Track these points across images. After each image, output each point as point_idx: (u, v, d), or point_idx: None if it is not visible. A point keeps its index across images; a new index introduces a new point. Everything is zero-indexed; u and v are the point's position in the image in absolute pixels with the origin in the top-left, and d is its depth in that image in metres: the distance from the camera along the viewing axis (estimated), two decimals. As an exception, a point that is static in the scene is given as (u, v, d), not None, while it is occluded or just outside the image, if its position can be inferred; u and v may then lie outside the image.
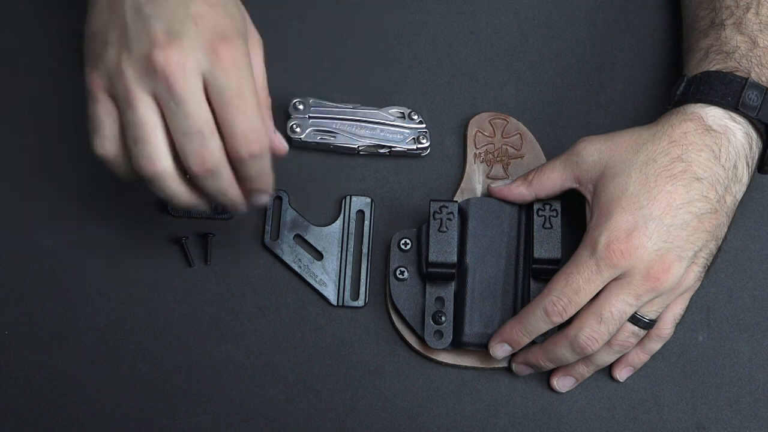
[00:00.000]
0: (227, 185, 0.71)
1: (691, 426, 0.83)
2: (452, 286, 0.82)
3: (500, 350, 0.80)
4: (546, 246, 0.80)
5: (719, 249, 0.78)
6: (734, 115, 0.76)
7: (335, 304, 0.85)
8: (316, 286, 0.85)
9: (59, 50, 0.88)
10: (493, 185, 0.84)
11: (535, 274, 0.81)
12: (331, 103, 0.88)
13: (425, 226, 0.82)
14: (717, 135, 0.75)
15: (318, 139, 0.87)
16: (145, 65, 0.67)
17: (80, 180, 0.86)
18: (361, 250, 0.86)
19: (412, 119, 0.88)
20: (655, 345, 0.81)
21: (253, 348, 0.84)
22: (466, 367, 0.84)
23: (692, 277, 0.76)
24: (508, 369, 0.83)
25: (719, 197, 0.75)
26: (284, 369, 0.84)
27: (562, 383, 0.82)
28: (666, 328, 0.79)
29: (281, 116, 0.88)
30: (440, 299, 0.82)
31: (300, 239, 0.86)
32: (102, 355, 0.83)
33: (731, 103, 0.76)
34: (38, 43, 0.89)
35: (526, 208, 0.83)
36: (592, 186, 0.78)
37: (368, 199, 0.87)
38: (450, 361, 0.83)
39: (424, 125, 0.88)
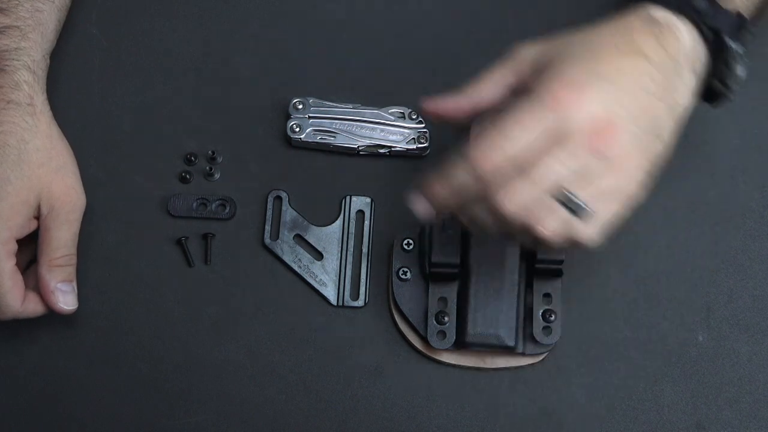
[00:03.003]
0: None
1: (691, 426, 0.83)
2: (455, 286, 0.82)
3: (419, 204, 0.70)
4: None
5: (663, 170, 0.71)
6: (681, 17, 0.70)
7: (335, 304, 0.85)
8: (316, 286, 0.85)
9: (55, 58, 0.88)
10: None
11: (538, 274, 0.81)
12: (331, 103, 0.88)
13: (428, 226, 0.82)
14: (663, 27, 0.70)
15: (318, 139, 0.87)
16: None
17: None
18: (361, 250, 0.86)
19: (412, 119, 0.88)
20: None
21: (253, 348, 0.84)
22: (467, 368, 0.83)
23: (634, 163, 0.68)
24: (510, 369, 0.83)
25: (666, 85, 0.69)
26: (284, 369, 0.84)
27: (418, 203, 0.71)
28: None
29: (281, 116, 0.88)
30: (443, 299, 0.82)
31: (300, 239, 0.86)
32: (102, 355, 0.83)
33: (675, 4, 0.70)
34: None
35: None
36: (535, 75, 0.69)
37: (368, 199, 0.87)
38: (452, 362, 0.83)
39: (423, 125, 0.88)
